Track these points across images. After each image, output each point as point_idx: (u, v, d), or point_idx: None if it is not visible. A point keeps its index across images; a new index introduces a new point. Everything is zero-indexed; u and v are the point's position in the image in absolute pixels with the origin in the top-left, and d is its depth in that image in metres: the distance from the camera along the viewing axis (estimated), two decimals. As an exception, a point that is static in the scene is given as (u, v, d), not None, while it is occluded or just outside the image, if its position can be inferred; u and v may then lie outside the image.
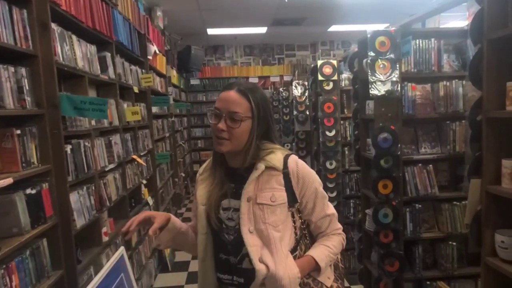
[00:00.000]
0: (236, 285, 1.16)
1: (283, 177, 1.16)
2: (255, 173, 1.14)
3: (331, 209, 1.25)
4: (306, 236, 1.24)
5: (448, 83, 2.39)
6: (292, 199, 1.17)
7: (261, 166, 1.15)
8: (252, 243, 1.11)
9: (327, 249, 1.21)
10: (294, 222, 1.19)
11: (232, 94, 1.14)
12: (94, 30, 2.39)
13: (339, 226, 1.28)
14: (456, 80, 2.39)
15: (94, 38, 2.45)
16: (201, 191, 1.22)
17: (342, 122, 3.69)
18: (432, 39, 2.38)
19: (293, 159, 1.19)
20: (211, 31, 7.26)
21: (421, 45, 2.38)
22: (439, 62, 2.40)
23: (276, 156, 1.17)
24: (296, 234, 1.20)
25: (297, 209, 1.20)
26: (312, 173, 1.22)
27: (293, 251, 1.18)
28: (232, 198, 1.18)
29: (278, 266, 1.10)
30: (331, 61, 3.62)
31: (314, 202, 1.21)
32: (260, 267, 1.09)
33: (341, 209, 3.63)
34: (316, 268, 1.18)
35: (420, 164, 2.43)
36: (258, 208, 1.13)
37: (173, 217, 1.26)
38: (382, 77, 2.29)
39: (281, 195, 1.15)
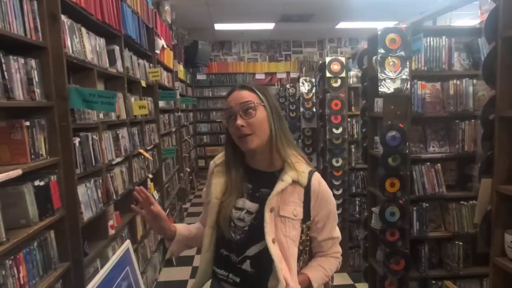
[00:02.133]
0: (231, 283, 1.16)
1: (304, 193, 1.15)
2: (281, 184, 1.13)
3: (337, 232, 1.25)
4: (307, 252, 1.24)
5: (458, 82, 2.36)
6: (306, 216, 1.16)
7: (287, 179, 1.13)
8: (277, 254, 1.09)
9: (323, 271, 1.22)
10: (300, 237, 1.18)
11: (237, 92, 1.15)
12: (103, 23, 2.38)
13: (340, 249, 1.29)
14: (467, 78, 2.36)
15: (103, 31, 2.45)
16: (217, 185, 1.21)
17: (349, 119, 3.67)
18: (443, 37, 2.35)
19: (317, 177, 1.18)
20: (218, 26, 7.24)
21: (431, 43, 2.35)
22: (450, 60, 2.37)
23: (302, 170, 1.16)
24: (299, 249, 1.19)
25: (307, 226, 1.19)
26: (331, 194, 1.21)
27: None
28: (248, 200, 1.17)
29: (294, 283, 1.10)
30: (340, 58, 3.59)
31: (325, 223, 1.20)
32: (283, 283, 1.07)
33: (347, 206, 3.62)
34: (308, 287, 1.18)
35: (428, 163, 2.41)
36: (280, 220, 1.12)
37: (179, 227, 1.28)
38: (391, 75, 2.26)
39: (300, 211, 1.15)
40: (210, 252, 1.21)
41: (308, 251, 1.24)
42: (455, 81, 2.36)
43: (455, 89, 2.36)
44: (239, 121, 1.10)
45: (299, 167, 1.15)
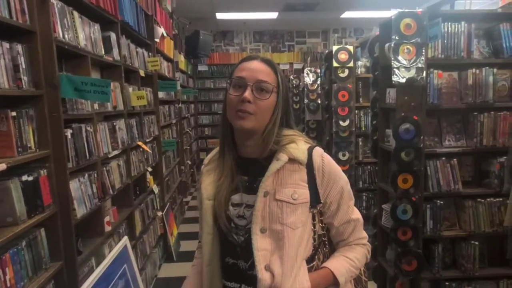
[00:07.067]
0: None
1: (307, 172, 1.00)
2: (276, 164, 0.98)
3: (356, 214, 1.08)
4: (326, 243, 1.08)
5: (477, 71, 2.21)
6: (315, 198, 1.01)
7: (283, 156, 0.99)
8: (260, 246, 0.96)
9: (348, 262, 1.05)
10: (313, 225, 1.02)
11: (258, 63, 1.01)
12: (97, 7, 2.24)
13: (364, 235, 1.10)
14: (487, 67, 2.21)
15: (97, 16, 2.30)
16: (207, 184, 1.07)
17: (356, 111, 3.53)
18: (462, 22, 2.19)
19: (318, 152, 1.03)
20: (220, 16, 7.06)
21: (449, 28, 2.19)
22: (469, 47, 2.21)
23: (299, 146, 1.01)
24: (314, 240, 1.03)
25: (319, 211, 1.04)
26: (338, 169, 1.06)
27: (309, 261, 1.02)
28: (245, 193, 1.02)
29: (285, 278, 0.94)
30: (347, 47, 3.44)
31: (339, 203, 1.04)
32: (264, 276, 0.94)
33: (353, 202, 3.50)
34: (334, 283, 1.01)
35: (443, 158, 2.27)
36: (276, 205, 0.97)
37: None
38: (406, 63, 2.11)
39: (304, 193, 0.99)
40: (215, 263, 1.05)
41: (328, 243, 1.08)
42: (474, 70, 2.21)
43: (474, 78, 2.20)
44: (248, 94, 0.97)
45: (297, 144, 1.01)
